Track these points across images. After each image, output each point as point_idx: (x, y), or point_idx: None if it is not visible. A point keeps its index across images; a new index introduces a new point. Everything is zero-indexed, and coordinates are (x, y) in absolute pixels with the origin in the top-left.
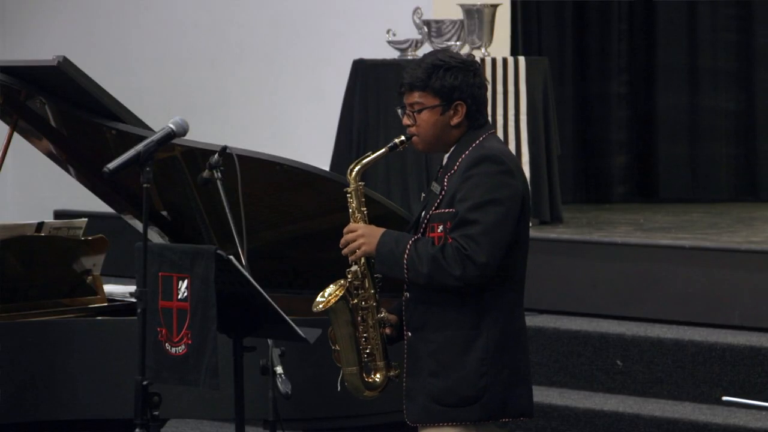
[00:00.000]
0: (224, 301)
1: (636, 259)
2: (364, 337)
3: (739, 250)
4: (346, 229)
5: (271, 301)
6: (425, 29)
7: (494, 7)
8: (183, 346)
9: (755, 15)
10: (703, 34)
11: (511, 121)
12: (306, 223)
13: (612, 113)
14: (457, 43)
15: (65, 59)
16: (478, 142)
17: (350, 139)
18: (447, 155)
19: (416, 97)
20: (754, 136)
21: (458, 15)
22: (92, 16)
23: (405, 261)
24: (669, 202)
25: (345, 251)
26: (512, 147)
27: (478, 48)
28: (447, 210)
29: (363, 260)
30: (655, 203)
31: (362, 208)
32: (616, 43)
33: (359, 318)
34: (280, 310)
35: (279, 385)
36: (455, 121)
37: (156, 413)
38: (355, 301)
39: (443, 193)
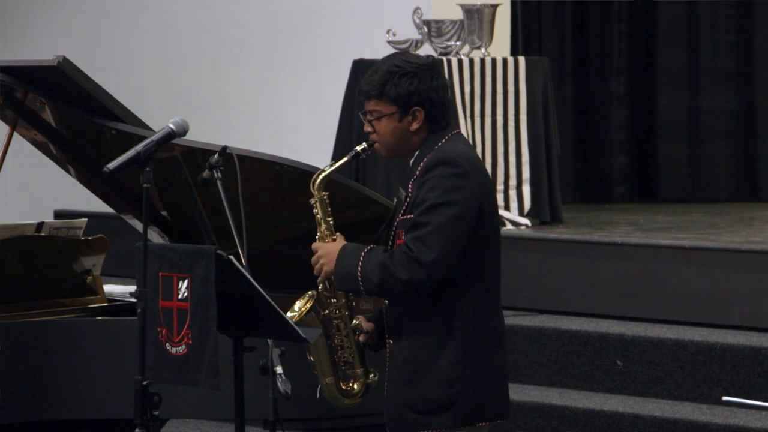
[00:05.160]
0: (224, 301)
1: (636, 259)
2: (340, 346)
3: (739, 250)
4: (312, 247)
5: (271, 301)
6: (425, 29)
7: (494, 7)
8: (183, 346)
9: (755, 15)
10: (703, 35)
11: (511, 121)
12: (306, 223)
13: (612, 113)
14: (457, 43)
15: (65, 59)
16: (440, 144)
17: (350, 139)
18: (411, 160)
19: (373, 105)
20: (754, 136)
21: (458, 15)
22: (92, 16)
23: (359, 273)
24: (669, 202)
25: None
26: (512, 147)
27: (478, 48)
28: (409, 216)
29: (333, 280)
30: (655, 203)
31: (328, 219)
32: (617, 43)
33: (333, 328)
34: (280, 310)
35: (279, 385)
36: (414, 126)
37: (156, 413)
38: (327, 311)
39: (408, 199)
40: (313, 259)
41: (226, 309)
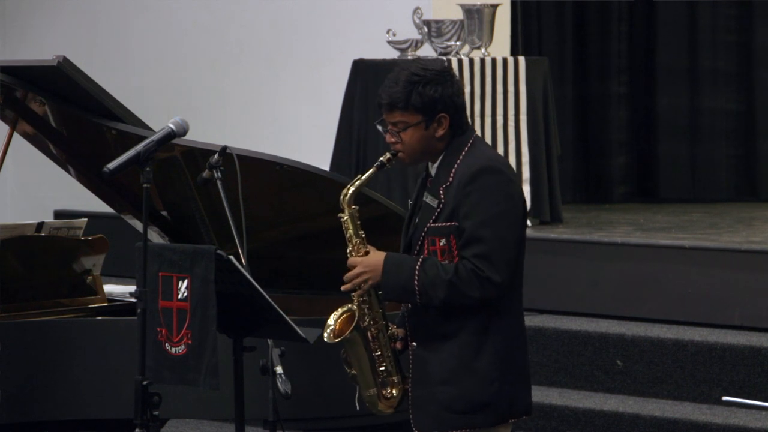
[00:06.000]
0: (224, 301)
1: (636, 259)
2: (378, 354)
3: (739, 250)
4: (348, 263)
5: (271, 301)
6: (425, 29)
7: (494, 7)
8: (183, 346)
9: (755, 15)
10: (703, 35)
11: (511, 121)
12: (306, 223)
13: (612, 113)
14: (457, 43)
15: (65, 59)
16: (467, 149)
17: (350, 139)
18: (435, 165)
19: (398, 116)
20: (754, 136)
21: (458, 15)
22: (92, 16)
23: (416, 287)
24: (669, 202)
25: (347, 287)
26: (512, 147)
27: (478, 48)
28: (448, 224)
29: (379, 291)
30: (655, 203)
31: (360, 232)
32: (616, 43)
33: (372, 339)
34: (280, 311)
35: (279, 385)
36: (440, 133)
37: (156, 413)
38: (366, 323)
39: (441, 206)
40: (352, 273)
41: (226, 309)
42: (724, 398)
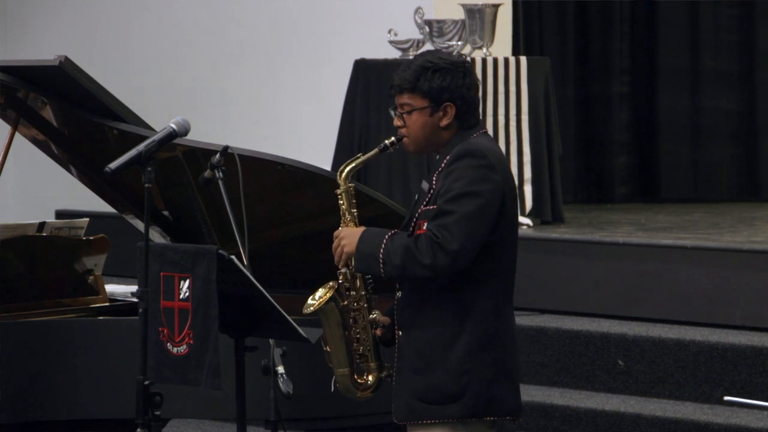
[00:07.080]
0: (226, 301)
1: (638, 259)
2: (356, 338)
3: (741, 250)
4: (334, 236)
5: (272, 301)
6: (427, 29)
7: (496, 6)
8: (184, 346)
9: (757, 16)
10: (704, 35)
11: (513, 121)
12: (307, 223)
13: (613, 113)
14: (459, 43)
15: (67, 59)
16: (467, 140)
17: (352, 139)
18: (437, 156)
19: (405, 98)
20: (756, 136)
21: (460, 15)
22: (93, 16)
23: (381, 255)
24: (670, 202)
25: (335, 258)
26: (513, 147)
27: (480, 48)
28: (432, 207)
29: (353, 261)
30: (656, 203)
31: (352, 210)
32: (618, 43)
33: (350, 319)
34: (281, 310)
35: (281, 385)
36: (444, 122)
37: (157, 413)
38: (346, 302)
39: (431, 191)
40: (335, 243)
41: (228, 309)
42: (726, 398)
